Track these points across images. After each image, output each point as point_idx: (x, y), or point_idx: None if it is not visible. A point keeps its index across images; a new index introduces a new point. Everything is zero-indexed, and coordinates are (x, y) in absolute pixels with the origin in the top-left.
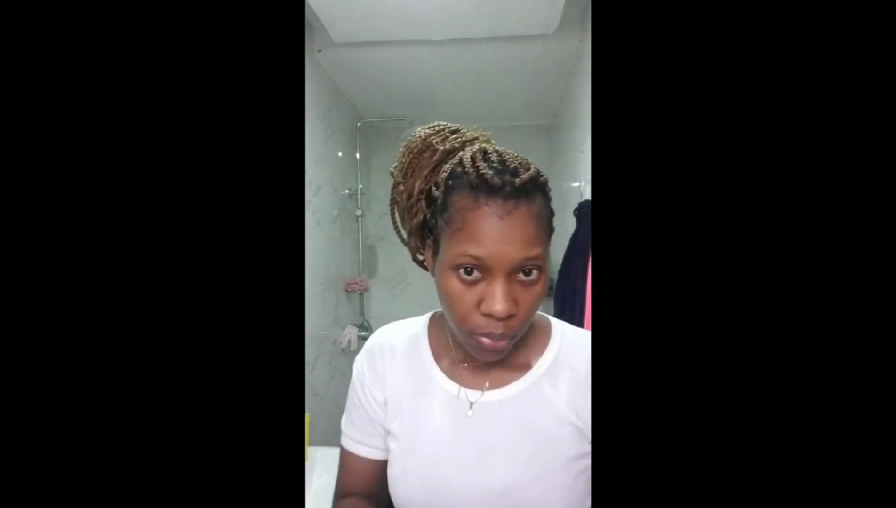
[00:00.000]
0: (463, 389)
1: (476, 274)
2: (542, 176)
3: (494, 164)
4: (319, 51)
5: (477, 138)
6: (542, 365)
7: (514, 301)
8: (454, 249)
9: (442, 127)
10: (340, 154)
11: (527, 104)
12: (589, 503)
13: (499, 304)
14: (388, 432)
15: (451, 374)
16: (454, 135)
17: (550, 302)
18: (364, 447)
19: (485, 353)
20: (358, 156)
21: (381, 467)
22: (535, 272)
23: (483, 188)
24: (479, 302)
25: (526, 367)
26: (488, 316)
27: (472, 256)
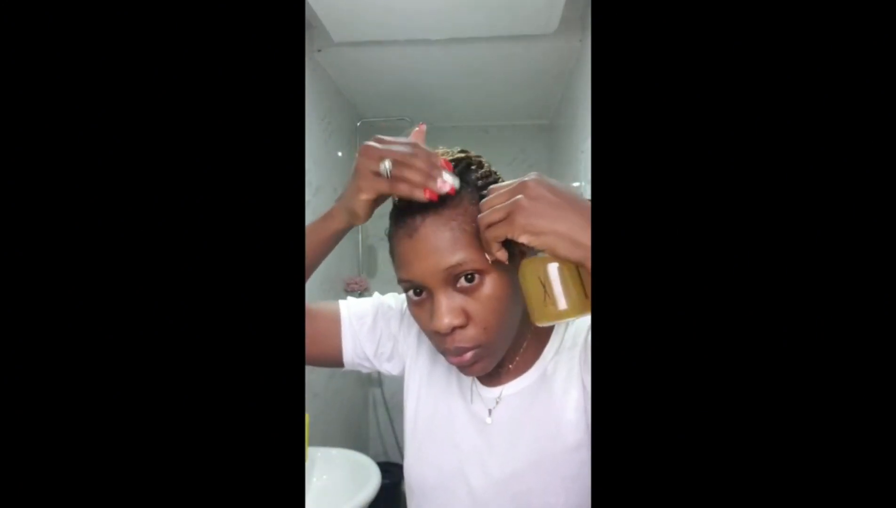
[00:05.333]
0: (479, 385)
1: (423, 293)
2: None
3: None
4: (319, 50)
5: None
6: (550, 349)
7: (460, 312)
8: (397, 275)
9: None
10: (340, 154)
11: (527, 104)
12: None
13: (437, 320)
14: (366, 357)
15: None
16: None
17: None
18: (349, 327)
19: (464, 371)
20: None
21: (335, 337)
22: (476, 276)
23: (398, 211)
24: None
25: (536, 356)
26: (436, 333)
27: (405, 280)
